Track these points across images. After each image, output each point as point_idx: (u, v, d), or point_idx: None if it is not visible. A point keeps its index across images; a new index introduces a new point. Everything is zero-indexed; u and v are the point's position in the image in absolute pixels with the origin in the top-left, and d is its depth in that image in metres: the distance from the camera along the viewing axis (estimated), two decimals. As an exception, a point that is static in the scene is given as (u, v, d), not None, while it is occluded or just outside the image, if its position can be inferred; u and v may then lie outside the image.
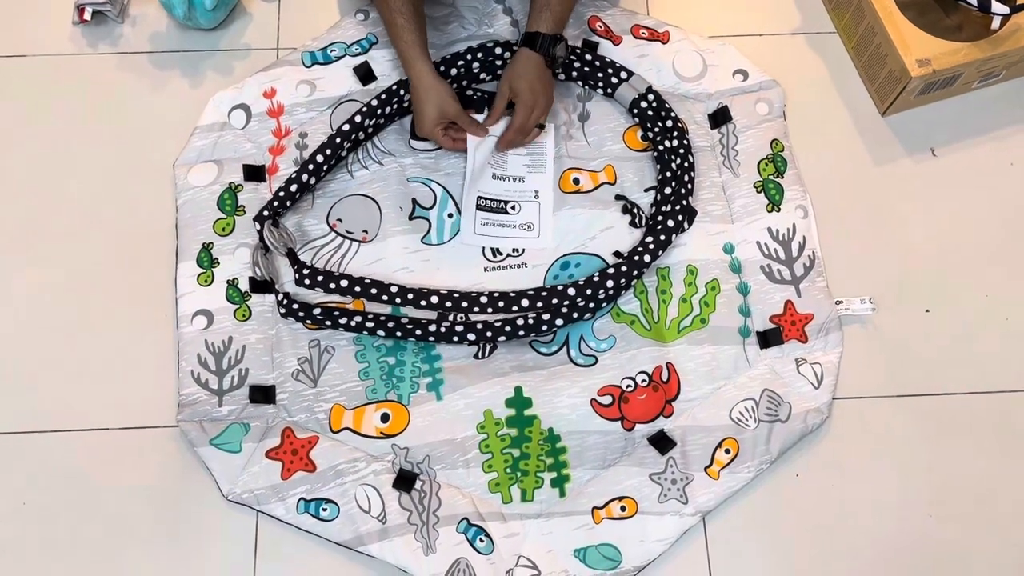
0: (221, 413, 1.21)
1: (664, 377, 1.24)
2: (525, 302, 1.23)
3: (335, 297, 1.26)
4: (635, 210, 1.33)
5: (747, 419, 1.22)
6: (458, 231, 1.31)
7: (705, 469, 1.20)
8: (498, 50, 1.38)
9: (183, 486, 1.20)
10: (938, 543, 1.20)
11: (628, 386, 1.24)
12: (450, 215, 1.32)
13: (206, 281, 1.27)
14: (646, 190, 1.34)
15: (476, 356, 1.25)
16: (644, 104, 1.36)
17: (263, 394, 1.22)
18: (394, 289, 1.23)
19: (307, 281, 1.23)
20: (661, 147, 1.34)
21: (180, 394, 1.22)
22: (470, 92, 1.39)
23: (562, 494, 1.20)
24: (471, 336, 1.24)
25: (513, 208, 1.32)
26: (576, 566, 1.16)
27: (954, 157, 1.40)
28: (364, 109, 1.33)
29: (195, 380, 1.22)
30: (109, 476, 1.20)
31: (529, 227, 1.31)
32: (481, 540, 1.17)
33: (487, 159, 1.32)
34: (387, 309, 1.26)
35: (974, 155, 1.40)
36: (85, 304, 1.28)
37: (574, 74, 1.39)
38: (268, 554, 1.17)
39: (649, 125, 1.35)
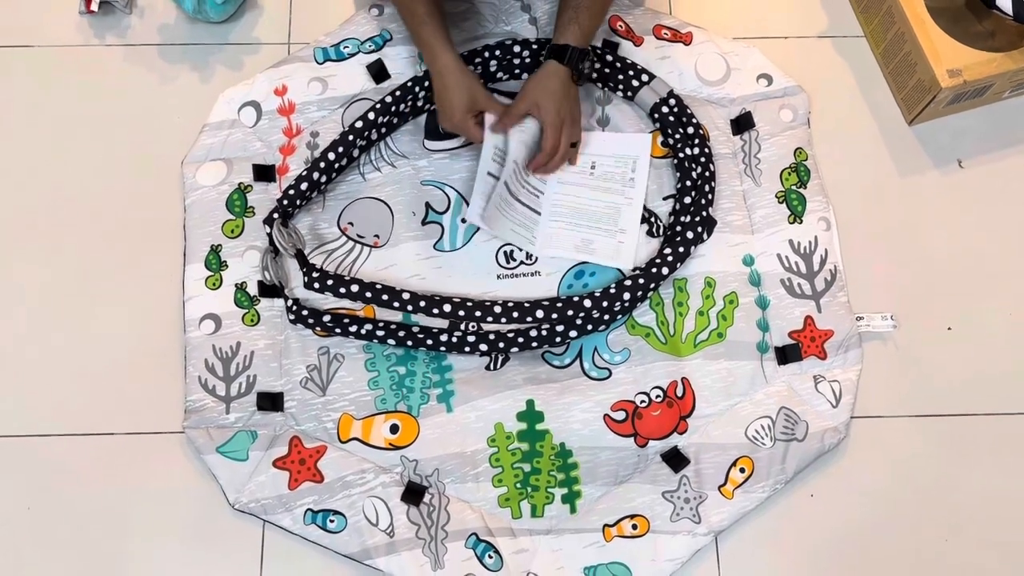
0: (228, 420, 1.19)
1: (679, 393, 1.22)
2: (539, 312, 1.20)
3: (345, 303, 1.24)
4: (653, 219, 1.30)
5: (763, 437, 1.20)
6: (472, 237, 1.28)
7: (719, 488, 1.18)
8: (516, 48, 1.34)
9: (189, 494, 1.18)
10: (954, 568, 1.18)
11: (642, 401, 1.21)
12: (463, 220, 1.29)
13: (214, 284, 1.24)
14: (665, 198, 1.31)
15: (488, 367, 1.23)
16: (665, 109, 1.32)
17: (271, 401, 1.20)
18: (405, 296, 1.19)
19: (316, 285, 1.20)
20: (681, 154, 1.30)
21: (187, 400, 1.20)
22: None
23: (573, 510, 1.18)
24: (483, 347, 1.21)
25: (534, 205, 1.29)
26: (586, 584, 1.15)
27: (981, 169, 1.36)
28: (378, 106, 1.29)
29: (202, 386, 1.20)
30: (115, 482, 1.19)
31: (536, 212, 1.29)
32: (490, 556, 1.15)
33: (494, 149, 1.25)
34: (398, 317, 1.24)
35: (1002, 167, 1.36)
36: (90, 306, 1.26)
37: (594, 75, 1.35)
38: (274, 565, 1.16)
39: (670, 131, 1.32)
